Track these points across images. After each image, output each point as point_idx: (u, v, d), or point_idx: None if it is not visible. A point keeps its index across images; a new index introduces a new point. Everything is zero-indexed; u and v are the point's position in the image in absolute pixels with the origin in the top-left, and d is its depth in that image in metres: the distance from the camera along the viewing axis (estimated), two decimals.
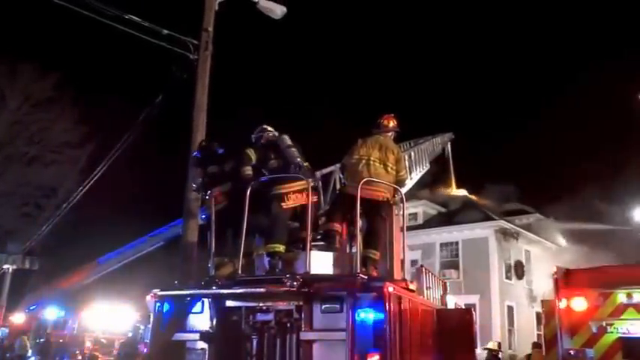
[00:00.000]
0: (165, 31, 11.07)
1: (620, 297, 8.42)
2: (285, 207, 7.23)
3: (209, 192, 7.90)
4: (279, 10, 12.08)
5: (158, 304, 6.69)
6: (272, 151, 7.67)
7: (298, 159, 7.43)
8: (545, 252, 33.34)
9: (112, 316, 22.98)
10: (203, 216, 8.54)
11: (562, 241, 34.17)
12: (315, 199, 7.39)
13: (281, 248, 7.06)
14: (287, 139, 7.65)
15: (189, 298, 6.64)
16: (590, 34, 72.04)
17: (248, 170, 7.54)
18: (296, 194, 7.24)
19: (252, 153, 7.70)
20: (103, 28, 11.27)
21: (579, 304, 8.65)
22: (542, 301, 10.09)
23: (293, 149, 7.52)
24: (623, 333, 8.35)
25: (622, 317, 8.38)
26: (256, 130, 8.18)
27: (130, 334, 21.88)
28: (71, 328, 22.57)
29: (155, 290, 6.76)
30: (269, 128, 8.11)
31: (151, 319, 6.92)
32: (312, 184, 7.18)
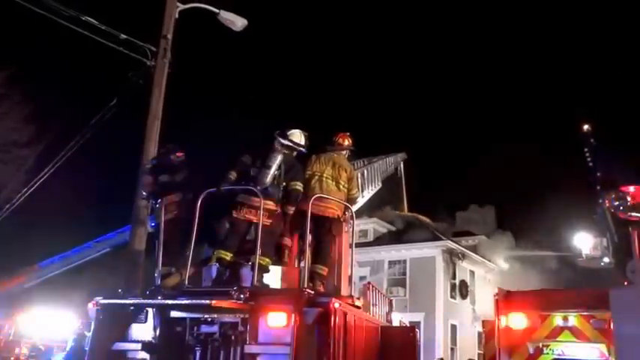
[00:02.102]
0: (123, 36, 10.96)
1: (557, 320, 8.68)
2: (235, 216, 7.23)
3: (159, 200, 7.83)
4: (239, 23, 12.12)
5: (100, 312, 6.54)
6: (261, 159, 7.43)
7: (266, 180, 7.17)
8: (489, 273, 34.14)
9: (51, 322, 22.25)
10: (152, 224, 8.43)
11: (505, 263, 35.02)
12: (268, 222, 7.12)
13: (228, 257, 7.06)
14: (273, 159, 7.33)
15: (132, 308, 6.54)
16: (541, 57, 74.53)
17: (232, 175, 7.37)
18: (250, 209, 7.19)
19: (248, 159, 7.47)
20: (59, 28, 11.06)
21: (518, 325, 8.89)
22: (482, 321, 10.33)
23: (267, 171, 7.23)
24: (559, 355, 8.62)
25: (558, 339, 8.64)
26: (281, 132, 7.70)
27: (73, 343, 21.23)
28: (7, 334, 21.77)
29: (97, 298, 6.63)
30: (291, 137, 7.63)
31: (92, 328, 6.76)
32: (269, 205, 7.05)
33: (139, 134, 10.53)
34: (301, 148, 7.72)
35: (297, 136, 7.71)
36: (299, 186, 7.49)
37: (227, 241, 7.22)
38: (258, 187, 7.06)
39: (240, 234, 7.32)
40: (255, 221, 7.07)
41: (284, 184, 7.39)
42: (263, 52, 65.73)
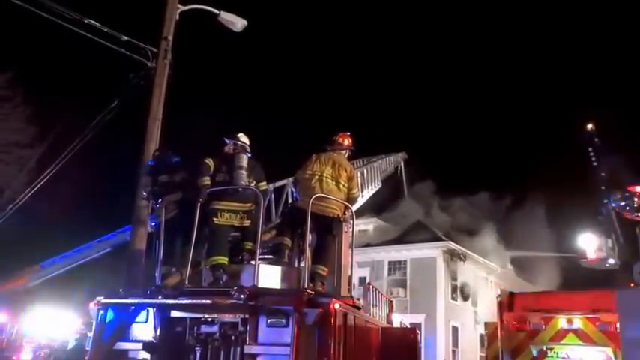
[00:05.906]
0: (125, 38, 10.94)
1: (561, 322, 8.62)
2: (217, 223, 7.32)
3: (160, 200, 7.83)
4: (239, 24, 12.13)
5: (101, 311, 6.55)
6: (225, 164, 7.65)
7: (242, 182, 7.45)
8: (491, 274, 33.97)
9: (53, 321, 22.37)
10: (152, 224, 8.44)
11: (508, 264, 34.87)
12: (247, 222, 7.50)
13: (224, 260, 7.10)
14: (242, 160, 7.62)
15: (133, 307, 6.53)
16: (544, 53, 74.41)
17: (206, 181, 7.50)
18: (230, 213, 7.39)
19: (211, 163, 7.65)
20: (60, 30, 11.05)
21: (521, 327, 8.84)
22: (485, 323, 10.27)
23: (242, 172, 7.50)
24: (563, 357, 8.55)
25: (562, 342, 8.58)
26: (231, 135, 8.04)
27: (76, 342, 21.30)
28: (10, 333, 21.88)
29: (99, 297, 6.63)
30: (241, 139, 7.98)
31: (93, 327, 6.76)
32: (251, 208, 7.40)
33: (139, 135, 10.54)
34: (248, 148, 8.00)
35: (245, 138, 8.02)
36: (266, 186, 8.11)
37: (216, 247, 7.29)
38: (237, 190, 7.39)
39: (226, 236, 7.46)
40: (236, 224, 7.41)
41: (252, 184, 7.66)
42: (263, 52, 65.83)
